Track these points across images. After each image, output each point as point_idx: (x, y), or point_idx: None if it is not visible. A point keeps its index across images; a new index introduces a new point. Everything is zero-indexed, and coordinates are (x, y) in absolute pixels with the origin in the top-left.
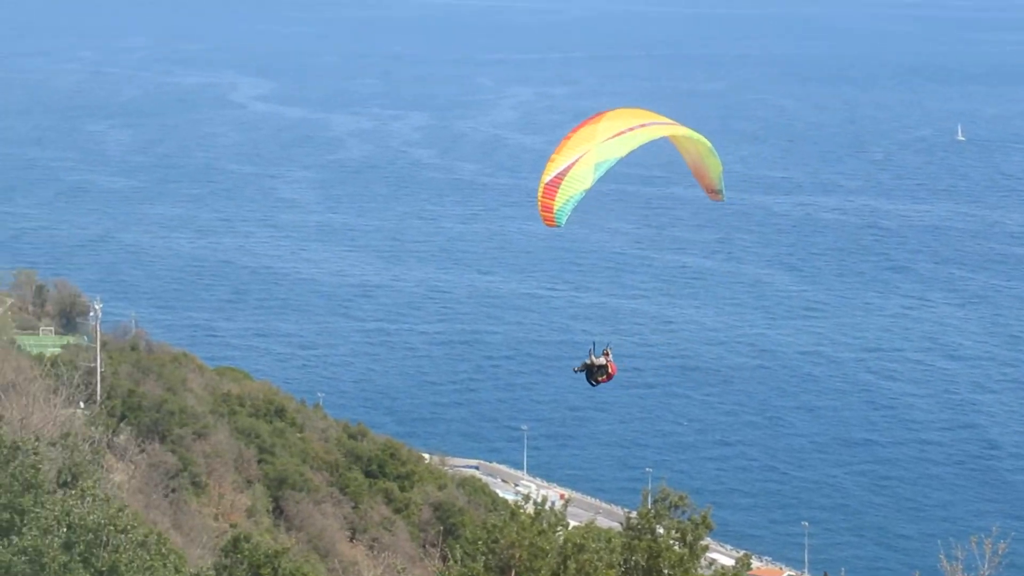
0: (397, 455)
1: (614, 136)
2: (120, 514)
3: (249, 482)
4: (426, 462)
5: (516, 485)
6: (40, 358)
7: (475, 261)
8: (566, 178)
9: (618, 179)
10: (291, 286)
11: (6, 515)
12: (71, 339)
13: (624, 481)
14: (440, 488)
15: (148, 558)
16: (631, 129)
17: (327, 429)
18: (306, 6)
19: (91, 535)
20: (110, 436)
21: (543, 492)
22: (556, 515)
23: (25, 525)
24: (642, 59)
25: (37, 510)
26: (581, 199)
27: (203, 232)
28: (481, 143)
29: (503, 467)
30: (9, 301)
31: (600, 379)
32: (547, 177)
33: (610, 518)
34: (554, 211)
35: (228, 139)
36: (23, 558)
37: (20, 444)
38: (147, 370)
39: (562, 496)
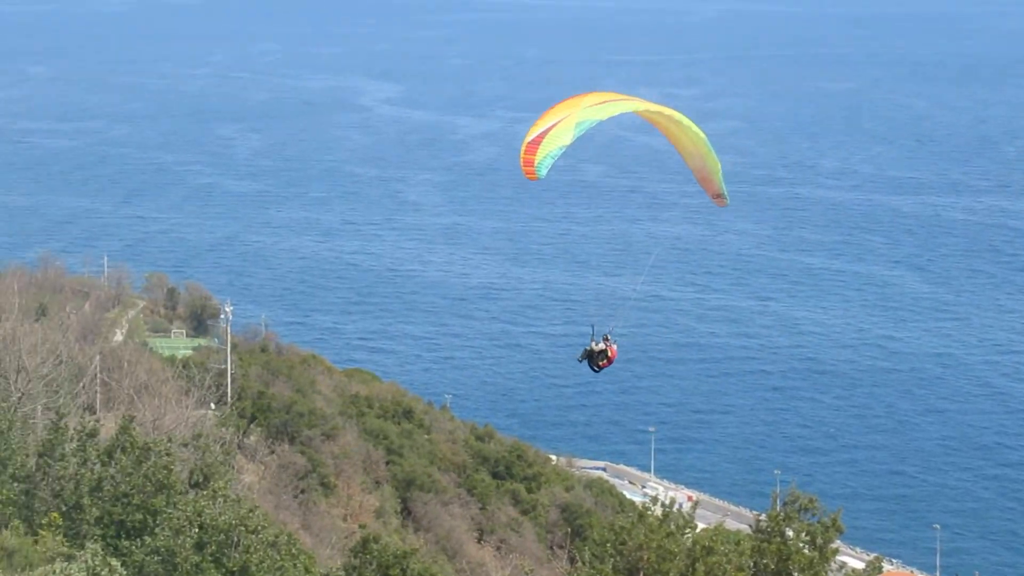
0: (524, 456)
1: (598, 104)
2: (251, 515)
3: (377, 483)
4: (553, 464)
5: (644, 487)
6: (172, 360)
7: (599, 263)
8: (547, 136)
9: (744, 180)
10: (417, 288)
11: (139, 515)
12: (202, 341)
13: (752, 483)
14: (567, 489)
15: (278, 558)
16: (617, 100)
17: (455, 431)
18: (433, 10)
19: (222, 535)
20: (240, 437)
21: (671, 494)
22: (684, 517)
23: (158, 525)
24: (769, 59)
25: (169, 511)
26: (560, 154)
27: (330, 234)
28: (606, 145)
29: (630, 469)
30: (141, 304)
31: (601, 364)
32: (530, 136)
33: (739, 520)
34: (535, 164)
35: (354, 142)
36: (156, 558)
37: (153, 445)
38: (277, 372)
39: (690, 498)
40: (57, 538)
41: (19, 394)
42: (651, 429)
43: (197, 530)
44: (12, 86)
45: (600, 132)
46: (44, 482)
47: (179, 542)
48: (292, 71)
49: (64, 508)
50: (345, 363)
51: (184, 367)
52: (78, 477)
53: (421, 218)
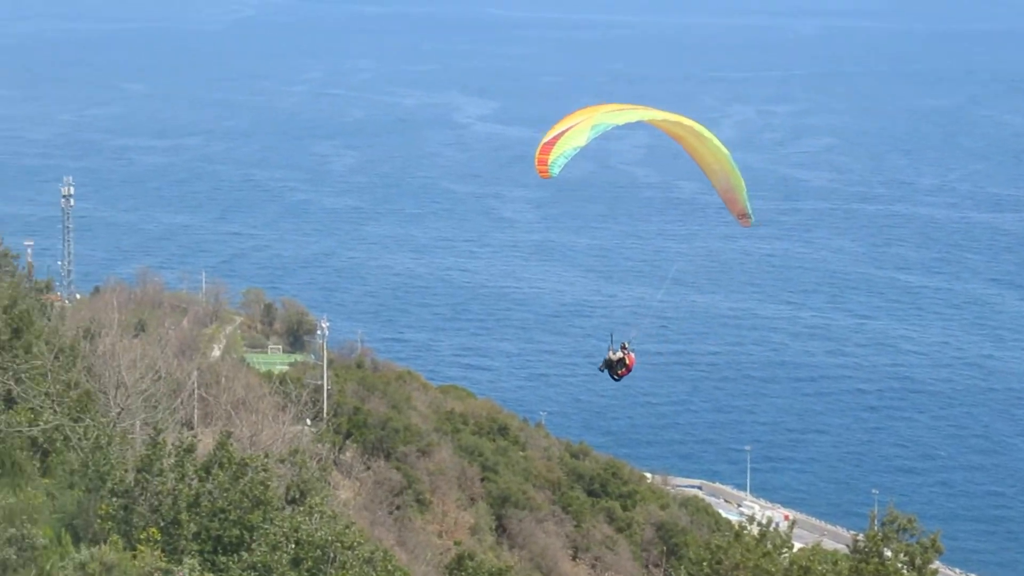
0: (619, 474)
1: (615, 111)
2: (347, 531)
3: (472, 500)
4: (648, 481)
5: (739, 505)
6: (269, 376)
7: (693, 280)
8: (563, 137)
9: (840, 197)
10: (511, 305)
11: (236, 531)
12: (299, 357)
13: (849, 503)
14: (663, 508)
15: (374, 574)
16: (635, 109)
17: (550, 448)
18: (525, 27)
19: (319, 551)
20: (336, 453)
21: (767, 513)
22: (781, 536)
23: (255, 541)
24: (864, 76)
25: (266, 526)
26: (574, 154)
27: (425, 251)
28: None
29: (726, 487)
30: (239, 319)
31: (620, 372)
32: (546, 138)
33: (836, 540)
34: (548, 163)
35: (448, 159)
36: (253, 573)
37: (249, 461)
38: (372, 388)
39: (787, 517)
40: (155, 553)
41: (118, 409)
42: (747, 447)
43: (294, 546)
44: (110, 103)
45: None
46: (142, 497)
47: (276, 558)
48: (387, 88)
49: (162, 523)
50: (440, 379)
51: (281, 383)
52: (176, 492)
53: (515, 234)
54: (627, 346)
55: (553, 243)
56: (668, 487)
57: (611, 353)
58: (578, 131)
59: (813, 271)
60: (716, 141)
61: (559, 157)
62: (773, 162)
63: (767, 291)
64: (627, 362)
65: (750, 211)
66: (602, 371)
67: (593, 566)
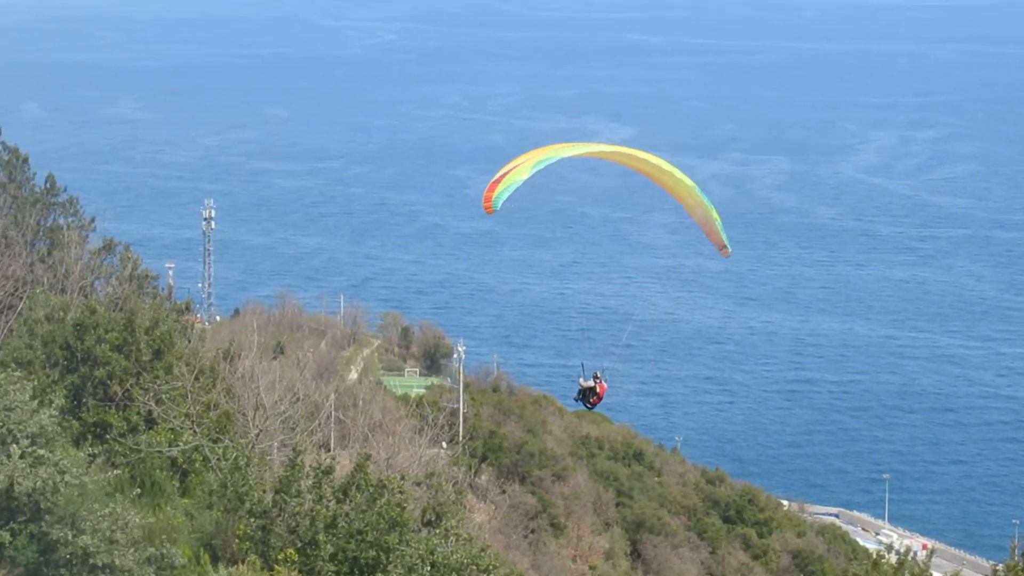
0: (756, 501)
1: (564, 147)
2: (482, 554)
3: (607, 524)
4: (785, 509)
5: (877, 534)
6: (405, 399)
7: (830, 306)
8: (507, 176)
9: (981, 224)
10: (647, 330)
11: (372, 552)
12: (435, 380)
13: (989, 533)
14: (799, 535)
15: None
16: (588, 145)
17: (685, 473)
18: (666, 52)
19: (454, 574)
20: (472, 476)
21: (905, 542)
22: (920, 566)
23: (391, 563)
24: (1005, 102)
25: (402, 548)
26: (517, 188)
27: (560, 275)
28: (840, 187)
29: (864, 515)
30: (376, 342)
31: (592, 400)
32: (494, 177)
33: (975, 570)
34: (492, 200)
35: (584, 183)
36: None
37: (387, 483)
38: (508, 411)
39: (925, 546)
40: (292, 574)
41: (257, 430)
42: (885, 476)
43: (429, 568)
44: (250, 127)
45: (834, 176)
46: (280, 518)
47: None
48: (525, 113)
49: (300, 544)
50: (576, 404)
51: (417, 406)
52: (313, 514)
53: (649, 259)
54: (599, 376)
55: (687, 268)
56: (805, 514)
57: (582, 381)
58: (521, 168)
59: (950, 298)
60: (679, 174)
61: (502, 192)
62: (913, 188)
63: (902, 318)
64: (598, 391)
65: (727, 242)
66: (577, 401)
67: None
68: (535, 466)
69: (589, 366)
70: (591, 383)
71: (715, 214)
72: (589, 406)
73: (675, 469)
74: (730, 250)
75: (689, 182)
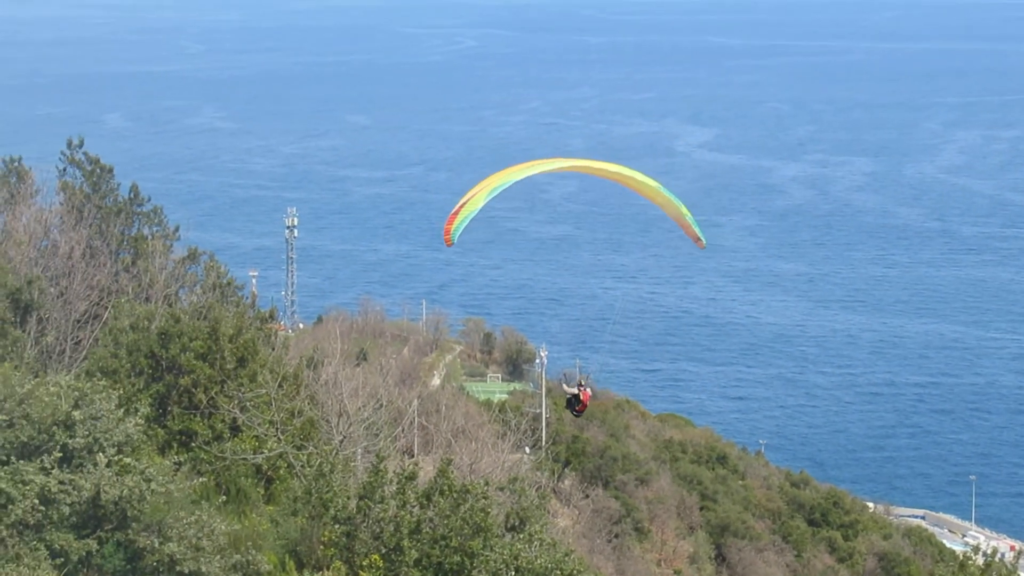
0: (840, 503)
1: (517, 170)
2: (566, 559)
3: (691, 528)
4: (870, 511)
5: (964, 536)
6: (488, 404)
7: (911, 307)
8: (464, 207)
9: None
10: (730, 333)
11: (456, 558)
12: (517, 386)
13: None
14: (885, 538)
15: None
16: (546, 163)
17: (769, 476)
18: (742, 55)
19: None
20: (555, 481)
21: (993, 543)
22: (1007, 567)
23: (475, 568)
24: None
25: (486, 553)
26: (473, 217)
27: (641, 279)
28: (922, 188)
29: (950, 517)
30: (458, 348)
31: (578, 408)
32: (453, 209)
33: None
34: (450, 233)
35: (674, 188)
36: None
37: (470, 488)
38: (591, 416)
39: (1012, 548)
40: None
41: (340, 437)
42: (972, 477)
43: (513, 573)
44: (331, 135)
45: (916, 176)
46: (364, 524)
47: None
48: (606, 116)
49: (384, 550)
50: (659, 408)
51: (500, 411)
52: (398, 519)
53: (732, 262)
54: (583, 383)
55: (770, 270)
56: (891, 517)
57: (566, 388)
58: (476, 199)
59: None
60: (642, 177)
61: (460, 225)
62: (995, 188)
63: (984, 318)
64: (582, 398)
65: (701, 234)
66: (566, 408)
67: None
68: (618, 470)
69: (572, 373)
70: (575, 390)
71: (684, 209)
72: (576, 414)
73: (759, 472)
74: (704, 242)
75: (652, 183)
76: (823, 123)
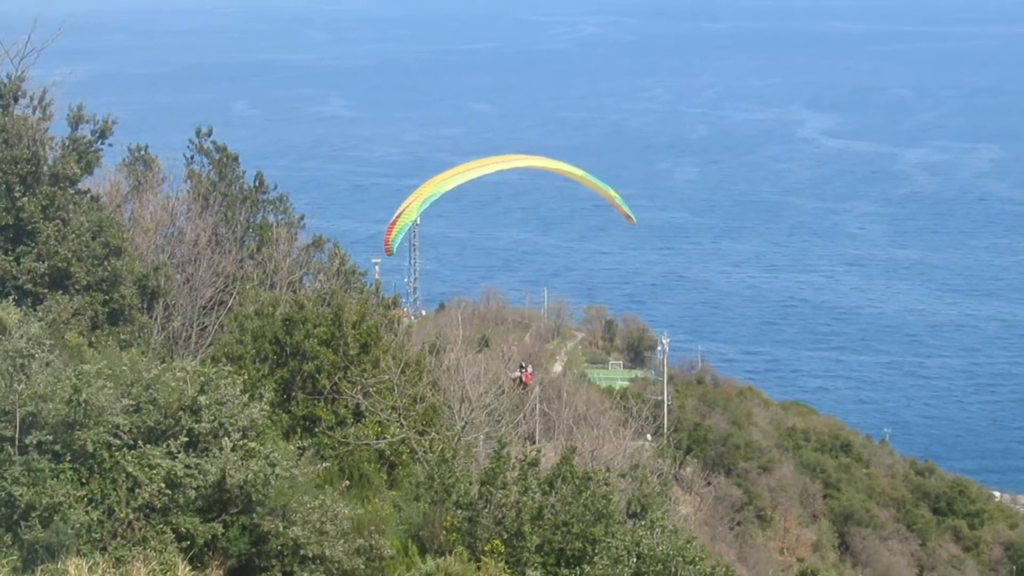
0: (966, 492)
1: (451, 176)
2: (688, 545)
3: (815, 517)
4: (996, 500)
5: None
6: (609, 391)
7: None
8: (400, 218)
9: None
10: (855, 321)
11: (578, 544)
12: (639, 373)
13: None
14: (1012, 527)
15: None
16: (473, 168)
17: (894, 465)
18: (869, 40)
19: (660, 565)
20: (677, 468)
21: None
22: None
23: (597, 554)
24: None
25: (608, 540)
26: (410, 227)
27: (766, 267)
28: None
29: None
30: (580, 335)
31: (522, 388)
32: (392, 219)
33: None
34: (388, 243)
35: (795, 175)
36: None
37: (592, 475)
38: (713, 404)
39: None
40: (499, 565)
41: (463, 423)
42: None
43: (635, 560)
44: (455, 123)
45: None
46: (487, 510)
47: (617, 571)
48: (731, 103)
49: (506, 535)
50: (783, 396)
51: (621, 398)
52: (519, 505)
53: (859, 250)
54: (523, 365)
55: (901, 259)
56: (1018, 506)
57: (508, 372)
58: (410, 210)
59: None
60: (568, 167)
61: (397, 235)
62: None
63: None
64: (524, 379)
65: (630, 212)
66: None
67: None
68: (740, 458)
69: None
70: (516, 374)
71: (613, 192)
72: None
73: (883, 460)
74: (635, 220)
75: (579, 171)
76: (947, 109)
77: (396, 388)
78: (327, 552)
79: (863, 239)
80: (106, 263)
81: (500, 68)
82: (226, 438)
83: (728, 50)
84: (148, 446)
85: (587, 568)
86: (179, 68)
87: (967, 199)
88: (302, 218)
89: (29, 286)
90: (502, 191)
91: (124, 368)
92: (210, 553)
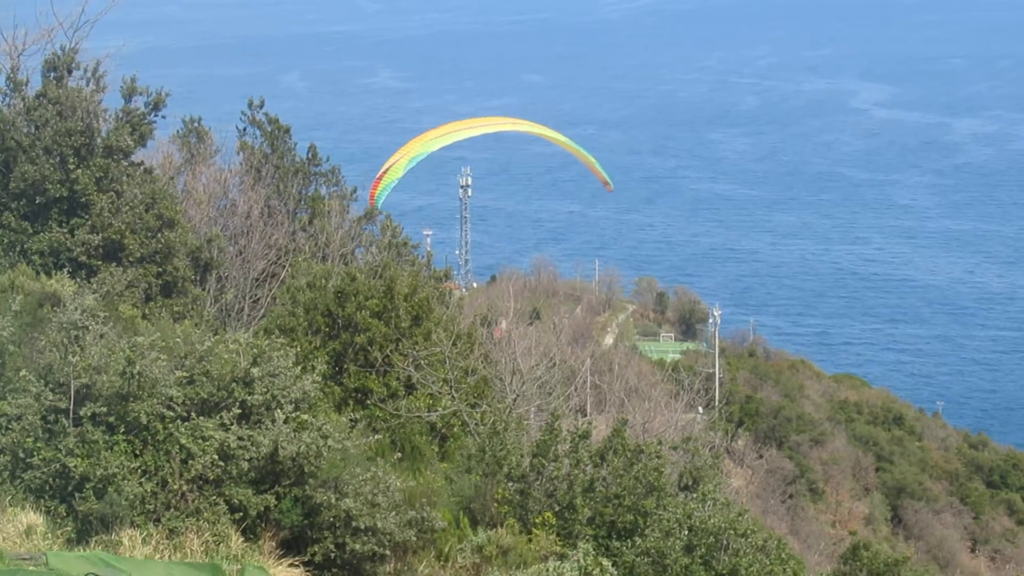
0: (1020, 465)
1: (439, 136)
2: (740, 518)
3: (867, 490)
4: None
5: None
6: (661, 363)
7: None
8: (386, 174)
9: None
10: (907, 292)
11: (630, 517)
12: (690, 345)
13: None
14: None
15: (768, 563)
16: (462, 129)
17: (947, 438)
18: (925, 10)
19: (712, 538)
20: (728, 441)
21: None
22: None
23: (648, 527)
24: None
25: (660, 512)
26: (395, 184)
27: (819, 239)
28: None
29: None
30: (631, 308)
31: None
32: (379, 174)
33: None
34: (375, 197)
35: (847, 146)
36: (646, 559)
37: (644, 447)
38: (765, 376)
39: None
40: (550, 537)
41: (514, 395)
42: None
43: (687, 532)
44: (508, 94)
45: None
46: (538, 482)
47: (669, 544)
48: (784, 74)
49: (557, 508)
50: (835, 368)
51: (673, 371)
52: (571, 478)
53: (912, 222)
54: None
55: (953, 230)
56: None
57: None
58: (397, 167)
59: None
60: (552, 132)
61: (383, 191)
62: None
63: None
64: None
65: (608, 178)
66: None
67: (992, 559)
68: (792, 431)
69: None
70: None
71: (592, 157)
72: None
73: (936, 434)
74: (612, 186)
75: (563, 137)
76: (1002, 79)
77: (448, 360)
78: (379, 524)
79: (914, 210)
80: (159, 235)
81: (550, 38)
82: (278, 410)
83: (783, 20)
84: (201, 418)
85: (638, 541)
86: (229, 40)
87: (1020, 170)
88: (354, 190)
89: (83, 258)
90: (552, 162)
91: (177, 340)
92: (262, 525)
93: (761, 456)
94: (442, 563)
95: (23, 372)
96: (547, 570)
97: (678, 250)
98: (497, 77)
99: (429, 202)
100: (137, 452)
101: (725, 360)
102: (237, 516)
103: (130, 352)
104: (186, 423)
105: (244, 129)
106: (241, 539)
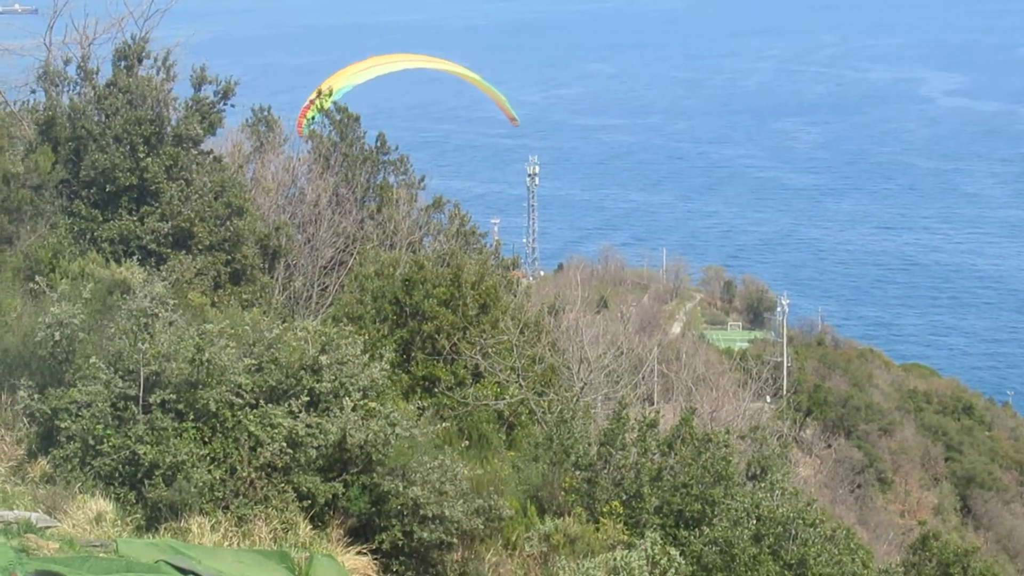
0: None
1: (364, 69)
2: (808, 508)
3: (936, 480)
4: None
5: None
6: (728, 352)
7: None
8: (311, 106)
9: None
10: (976, 281)
11: (697, 505)
12: (758, 334)
13: None
14: None
15: (836, 552)
16: (387, 63)
17: (1016, 428)
18: None
19: (780, 528)
20: (797, 430)
21: None
22: None
23: (716, 516)
24: None
25: (728, 501)
26: (318, 116)
27: (887, 228)
28: None
29: None
30: (698, 297)
31: None
32: (305, 104)
33: None
34: (301, 127)
35: (914, 134)
36: (714, 548)
37: (712, 436)
38: (833, 365)
39: None
40: (618, 526)
41: (581, 384)
42: None
43: (755, 522)
44: (574, 83)
45: None
46: (605, 471)
47: (736, 533)
48: (851, 63)
49: (624, 496)
50: (905, 358)
51: (741, 359)
52: (638, 467)
53: (981, 211)
54: None
55: (1020, 219)
56: None
57: None
58: (320, 100)
59: None
60: (466, 71)
61: (307, 121)
62: None
63: None
64: None
65: (515, 114)
66: None
67: None
68: (861, 420)
69: None
70: None
71: (502, 96)
72: None
73: (1006, 423)
74: (518, 121)
75: (475, 75)
76: None
77: (515, 349)
78: (446, 512)
79: (979, 199)
80: (228, 223)
81: (619, 27)
82: (347, 398)
83: (851, 8)
84: (270, 405)
85: (706, 530)
86: (294, 29)
87: None
88: (422, 179)
89: (153, 246)
90: (615, 150)
91: (246, 328)
92: (330, 512)
93: (829, 445)
94: (509, 552)
95: (93, 359)
96: (615, 559)
97: (746, 238)
98: (565, 66)
99: (491, 189)
100: (206, 439)
101: (793, 349)
102: (305, 504)
103: (199, 339)
104: (255, 410)
105: (312, 118)
106: (309, 527)
